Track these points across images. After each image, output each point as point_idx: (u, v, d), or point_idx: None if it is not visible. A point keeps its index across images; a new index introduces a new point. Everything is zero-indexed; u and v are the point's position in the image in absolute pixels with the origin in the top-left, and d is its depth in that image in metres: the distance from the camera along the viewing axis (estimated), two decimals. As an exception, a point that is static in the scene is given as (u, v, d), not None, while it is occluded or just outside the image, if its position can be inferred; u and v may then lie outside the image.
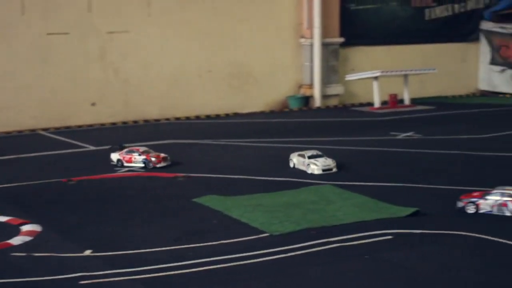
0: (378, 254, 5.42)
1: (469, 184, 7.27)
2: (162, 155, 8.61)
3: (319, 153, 8.19)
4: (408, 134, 10.23)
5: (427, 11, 14.58)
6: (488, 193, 6.45)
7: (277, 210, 6.78)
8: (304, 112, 12.81)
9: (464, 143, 9.60)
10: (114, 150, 8.88)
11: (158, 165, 8.45)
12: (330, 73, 13.62)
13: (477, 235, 5.79)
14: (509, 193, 6.35)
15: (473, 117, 12.01)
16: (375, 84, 12.83)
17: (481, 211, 6.38)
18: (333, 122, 11.64)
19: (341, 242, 5.67)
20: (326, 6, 13.38)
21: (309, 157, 8.07)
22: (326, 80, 13.53)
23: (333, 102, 13.57)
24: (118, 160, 8.71)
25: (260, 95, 13.33)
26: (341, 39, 13.63)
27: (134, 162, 8.57)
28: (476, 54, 15.19)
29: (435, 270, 5.11)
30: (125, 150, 8.79)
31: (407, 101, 13.11)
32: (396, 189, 7.33)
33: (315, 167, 7.93)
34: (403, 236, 5.82)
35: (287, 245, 5.68)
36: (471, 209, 6.41)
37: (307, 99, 13.42)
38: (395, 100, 12.95)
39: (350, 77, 13.24)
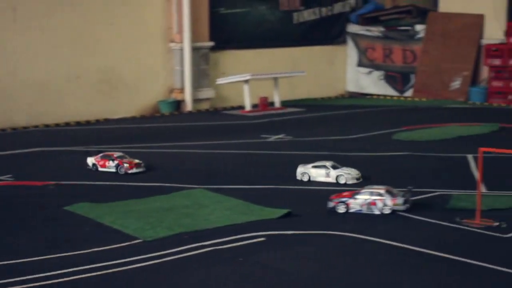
0: (251, 256, 5.45)
1: (339, 185, 7.40)
2: (136, 161, 8.41)
3: (334, 163, 7.89)
4: (279, 136, 10.33)
5: (295, 14, 14.78)
6: (358, 193, 6.58)
7: (149, 216, 6.73)
8: (175, 117, 12.76)
9: (333, 143, 9.77)
10: (90, 154, 8.71)
11: (130, 171, 8.29)
12: (201, 77, 13.62)
13: (347, 234, 5.91)
14: (378, 192, 6.49)
15: (342, 118, 12.24)
16: (245, 88, 12.91)
17: (351, 211, 6.51)
18: (205, 126, 11.63)
19: (215, 246, 5.68)
20: (195, 10, 13.36)
21: (334, 168, 7.64)
22: (197, 84, 13.52)
23: (204, 106, 13.57)
24: (93, 164, 8.51)
25: (130, 100, 13.19)
26: (211, 43, 13.64)
27: (108, 167, 8.39)
28: (343, 56, 15.48)
29: (308, 270, 5.18)
30: (101, 154, 8.60)
31: (277, 104, 13.24)
32: (268, 191, 7.38)
33: (349, 176, 7.69)
34: (276, 237, 5.87)
35: (160, 251, 5.63)
36: (341, 209, 6.53)
37: (178, 104, 13.38)
38: (266, 103, 13.06)
39: (221, 80, 13.28)
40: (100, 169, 8.42)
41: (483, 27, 14.01)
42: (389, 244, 5.61)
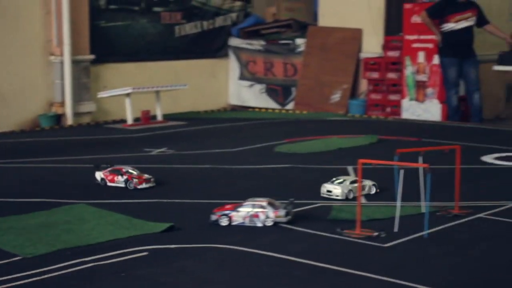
0: (134, 271, 5.40)
1: (222, 197, 7.41)
2: (145, 176, 8.06)
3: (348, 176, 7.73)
4: (162, 150, 10.29)
5: (177, 28, 14.76)
6: (240, 205, 6.61)
7: (29, 232, 6.59)
8: (56, 131, 12.52)
9: (215, 156, 9.80)
10: (99, 169, 8.24)
11: (140, 187, 7.93)
12: (82, 90, 13.42)
13: (230, 246, 5.92)
14: (260, 204, 6.54)
15: (224, 131, 12.29)
16: (127, 101, 12.80)
17: (234, 223, 6.53)
18: (86, 140, 11.46)
19: (96, 261, 5.59)
20: (75, 23, 13.16)
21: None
22: (78, 98, 13.32)
23: (85, 120, 13.38)
24: (102, 179, 8.10)
25: (9, 115, 12.86)
26: (92, 56, 13.48)
27: (117, 182, 8.01)
28: (225, 70, 15.57)
29: (191, 284, 5.17)
30: (109, 169, 8.17)
31: (159, 117, 13.18)
32: (151, 204, 7.33)
33: (374, 188, 7.60)
34: (159, 251, 5.83)
35: (41, 268, 5.51)
36: (224, 222, 6.54)
37: (59, 118, 13.15)
38: (148, 117, 12.98)
39: (102, 94, 13.13)
40: (108, 183, 8.05)
41: (361, 41, 14.34)
42: (272, 256, 5.65)
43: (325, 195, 7.42)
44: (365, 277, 5.17)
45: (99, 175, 8.13)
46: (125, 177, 7.99)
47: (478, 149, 9.93)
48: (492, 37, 12.94)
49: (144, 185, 7.94)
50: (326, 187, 7.47)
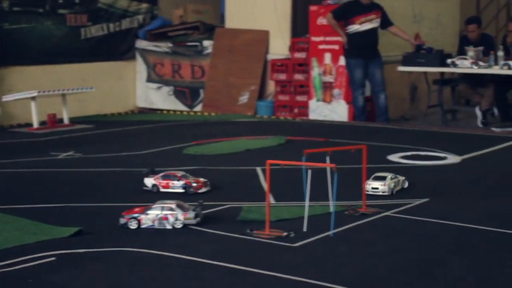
0: (41, 277, 5.31)
1: (131, 200, 7.35)
2: (202, 180, 7.78)
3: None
4: (69, 153, 10.15)
5: (82, 30, 14.57)
6: (149, 208, 6.57)
7: None
8: (-41, 136, 12.21)
9: (124, 159, 9.72)
10: (147, 175, 7.87)
11: (200, 191, 7.65)
12: (-14, 94, 13.14)
13: (140, 250, 5.88)
14: (170, 207, 6.51)
15: (133, 134, 12.20)
16: (32, 104, 12.58)
17: (143, 226, 6.49)
18: (-10, 144, 11.21)
19: (3, 268, 5.48)
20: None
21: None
22: (-19, 102, 13.04)
23: (-10, 124, 13.12)
24: (154, 185, 7.74)
25: None
26: (-5, 59, 13.22)
27: (172, 188, 7.68)
28: (133, 72, 15.45)
29: (101, 288, 5.12)
30: (161, 174, 7.82)
31: (66, 121, 13.00)
32: (58, 209, 7.22)
33: (406, 182, 7.80)
34: (67, 256, 5.75)
35: None
36: (133, 225, 6.49)
37: (-38, 122, 12.84)
38: (54, 120, 12.78)
39: (7, 98, 12.86)
40: (162, 189, 7.72)
41: (268, 43, 14.43)
42: (182, 258, 5.64)
43: (370, 192, 7.44)
44: (275, 277, 5.20)
45: (149, 181, 7.83)
46: (182, 182, 7.72)
47: (384, 148, 10.11)
48: (396, 39, 13.20)
49: (203, 189, 7.74)
50: (371, 184, 7.53)
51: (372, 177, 7.65)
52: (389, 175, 7.66)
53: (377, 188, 7.52)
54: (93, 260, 5.65)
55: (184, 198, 7.21)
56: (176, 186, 7.73)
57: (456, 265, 5.48)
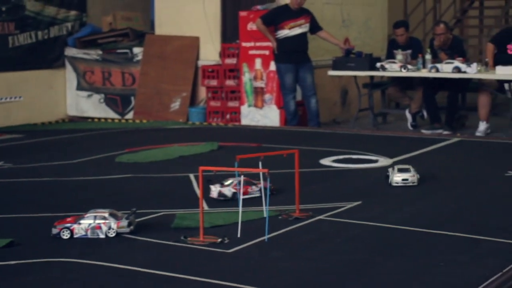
0: (-27, 291, 5.22)
1: (63, 210, 7.27)
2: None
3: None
4: (-1, 164, 9.99)
5: (10, 38, 14.37)
6: (82, 217, 6.51)
7: None
8: None
9: (55, 169, 9.61)
10: (212, 182, 7.51)
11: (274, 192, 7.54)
12: None
13: (72, 260, 5.82)
14: (102, 216, 6.46)
15: (64, 143, 12.07)
16: (-40, 115, 12.36)
17: (76, 236, 6.43)
18: None
19: None
20: None
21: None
22: None
23: None
24: (234, 193, 7.34)
25: None
26: None
27: (250, 194, 7.42)
28: (63, 80, 15.28)
29: (33, 300, 5.06)
30: (232, 180, 7.45)
31: (-6, 131, 12.80)
32: (-12, 221, 7.10)
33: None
34: (-1, 269, 5.66)
35: None
36: (66, 235, 6.42)
37: None
38: (-18, 130, 12.59)
39: None
40: (242, 197, 7.03)
41: (199, 49, 14.43)
42: (116, 267, 5.60)
43: (400, 184, 7.87)
44: (210, 284, 5.21)
45: (228, 190, 7.51)
46: (260, 186, 7.42)
47: (317, 152, 10.19)
48: (326, 43, 13.32)
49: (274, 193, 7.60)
50: (400, 176, 7.90)
51: (397, 170, 8.00)
52: (410, 167, 8.10)
53: (407, 180, 7.92)
54: (25, 272, 5.58)
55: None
56: (255, 191, 7.55)
57: (386, 266, 5.56)
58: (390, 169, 8.25)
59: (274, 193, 7.57)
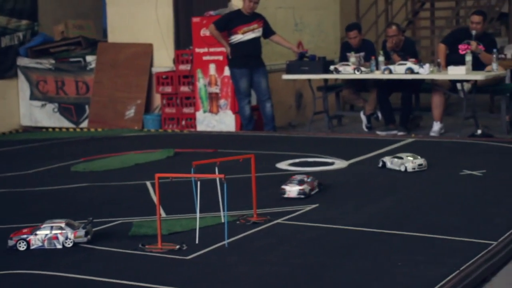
0: None
1: (19, 221, 7.20)
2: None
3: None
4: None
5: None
6: (38, 228, 6.45)
7: None
8: None
9: (10, 180, 9.50)
10: (283, 183, 7.74)
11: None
12: None
13: (30, 271, 5.77)
14: (59, 226, 6.41)
15: (18, 154, 11.95)
16: None
17: (33, 247, 6.37)
18: None
19: None
20: None
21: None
22: None
23: None
24: (310, 189, 7.70)
25: None
26: None
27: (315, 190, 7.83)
28: (15, 90, 15.15)
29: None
30: (299, 178, 7.75)
31: None
32: None
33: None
34: (-46, 283, 5.59)
35: None
36: (22, 246, 6.36)
37: None
38: None
39: None
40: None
41: (152, 56, 14.39)
42: (74, 278, 5.56)
43: (416, 169, 8.67)
44: (169, 291, 5.19)
45: (307, 187, 7.71)
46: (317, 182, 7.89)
47: (273, 156, 10.21)
48: (279, 47, 13.36)
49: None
50: (416, 162, 8.71)
51: (411, 157, 8.85)
52: (409, 154, 9.00)
53: (421, 164, 8.76)
54: (-19, 285, 5.51)
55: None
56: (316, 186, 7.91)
57: (345, 268, 5.59)
58: (386, 159, 9.09)
59: (321, 187, 7.93)
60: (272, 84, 13.28)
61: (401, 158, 8.94)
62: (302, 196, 7.66)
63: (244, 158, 6.85)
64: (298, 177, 7.83)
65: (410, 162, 8.79)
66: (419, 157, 8.92)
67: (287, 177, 8.03)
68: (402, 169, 8.81)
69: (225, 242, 6.19)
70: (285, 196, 7.69)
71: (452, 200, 7.58)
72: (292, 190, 7.69)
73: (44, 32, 15.55)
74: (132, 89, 14.32)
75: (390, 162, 9.00)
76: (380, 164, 9.14)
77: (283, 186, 7.74)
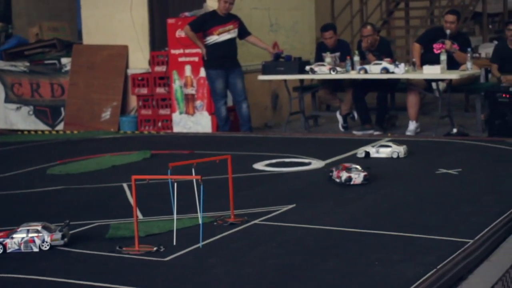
0: None
1: (-5, 225, 7.15)
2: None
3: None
4: None
5: None
6: (14, 232, 6.41)
7: None
8: None
9: (-15, 184, 9.44)
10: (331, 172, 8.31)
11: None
12: None
13: (6, 275, 5.73)
14: (35, 229, 6.37)
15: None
16: None
17: (9, 251, 6.33)
18: None
19: None
20: None
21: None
22: None
23: None
24: (348, 178, 8.04)
25: None
26: None
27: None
28: (-11, 94, 15.07)
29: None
30: (335, 167, 8.28)
31: None
32: None
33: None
34: None
35: None
36: (-3, 250, 6.32)
37: None
38: None
39: None
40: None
41: (128, 58, 14.35)
42: (51, 281, 5.53)
43: (407, 154, 9.19)
44: (147, 293, 5.18)
45: (357, 174, 8.10)
46: (362, 173, 8.11)
47: (249, 157, 10.21)
48: (255, 48, 13.37)
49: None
50: (405, 148, 9.24)
51: (397, 145, 9.31)
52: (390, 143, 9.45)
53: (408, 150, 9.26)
54: (-43, 289, 5.47)
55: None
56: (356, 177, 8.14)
57: (323, 268, 5.60)
58: (368, 148, 9.46)
59: (368, 179, 8.13)
60: (248, 85, 13.28)
61: (389, 146, 9.16)
62: (366, 182, 8.05)
63: (220, 159, 6.85)
64: (351, 165, 8.28)
65: (401, 148, 9.25)
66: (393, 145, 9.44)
67: (330, 167, 8.55)
68: (395, 156, 9.20)
69: (200, 244, 6.18)
70: (351, 183, 8.04)
71: (428, 199, 7.62)
72: (358, 176, 8.04)
73: (18, 34, 15.48)
74: (107, 91, 14.28)
75: (376, 151, 9.17)
76: (363, 154, 9.31)
77: (349, 174, 8.07)
